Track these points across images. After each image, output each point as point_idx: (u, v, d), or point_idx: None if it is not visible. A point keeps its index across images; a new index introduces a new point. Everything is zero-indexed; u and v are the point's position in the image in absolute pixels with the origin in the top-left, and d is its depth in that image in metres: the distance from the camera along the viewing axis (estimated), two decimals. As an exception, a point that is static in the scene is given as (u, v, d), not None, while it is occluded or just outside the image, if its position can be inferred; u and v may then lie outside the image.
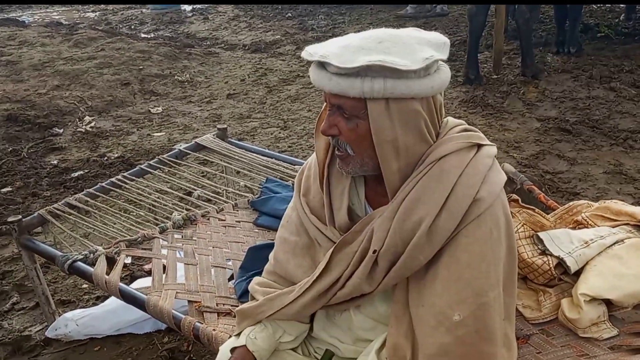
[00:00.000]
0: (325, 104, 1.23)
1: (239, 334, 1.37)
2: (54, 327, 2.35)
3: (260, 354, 1.32)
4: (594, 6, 6.59)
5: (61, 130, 4.45)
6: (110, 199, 2.56)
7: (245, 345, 1.31)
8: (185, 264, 1.99)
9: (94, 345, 2.34)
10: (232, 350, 1.33)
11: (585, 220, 1.82)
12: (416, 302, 1.19)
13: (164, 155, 2.73)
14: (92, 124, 4.54)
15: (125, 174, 2.58)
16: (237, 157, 2.70)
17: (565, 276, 1.67)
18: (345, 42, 1.12)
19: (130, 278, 2.63)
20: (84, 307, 2.51)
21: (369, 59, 1.05)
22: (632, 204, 2.93)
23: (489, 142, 1.23)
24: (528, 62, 4.78)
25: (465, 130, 1.23)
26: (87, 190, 2.47)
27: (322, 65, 1.12)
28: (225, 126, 2.91)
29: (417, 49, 1.10)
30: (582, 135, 3.84)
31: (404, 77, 1.07)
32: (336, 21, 7.10)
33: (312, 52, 1.12)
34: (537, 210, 1.80)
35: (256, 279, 1.46)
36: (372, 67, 1.05)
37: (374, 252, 1.18)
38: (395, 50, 1.08)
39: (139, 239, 2.12)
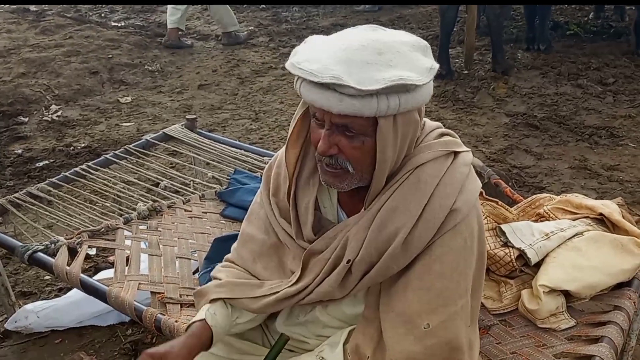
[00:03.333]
0: (298, 117, 1.18)
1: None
2: (13, 319, 2.30)
3: (218, 331, 1.26)
4: (564, 4, 6.68)
5: (26, 119, 4.34)
6: (75, 189, 2.51)
7: (204, 320, 1.25)
8: (149, 255, 1.96)
9: (55, 337, 2.30)
10: (188, 327, 1.26)
11: (547, 213, 1.86)
12: (386, 308, 1.19)
13: (131, 145, 2.68)
14: (59, 113, 4.43)
15: (90, 163, 2.54)
16: (205, 148, 2.67)
17: (526, 268, 1.71)
18: (342, 56, 1.04)
19: (95, 269, 2.59)
20: (45, 299, 2.46)
21: (386, 76, 1.02)
22: (596, 198, 2.98)
23: (465, 148, 1.22)
24: (499, 58, 4.83)
25: (442, 134, 1.22)
26: (50, 179, 2.42)
27: (327, 84, 1.03)
28: (194, 116, 2.88)
29: (413, 57, 1.08)
30: (549, 131, 3.91)
31: (413, 90, 1.06)
32: (310, 13, 7.05)
33: (314, 70, 1.03)
34: (500, 202, 1.82)
35: (228, 257, 1.43)
36: (391, 86, 1.02)
37: (348, 261, 1.17)
38: (398, 61, 1.06)
39: (102, 229, 2.09)
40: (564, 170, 3.42)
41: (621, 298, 1.61)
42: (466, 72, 4.89)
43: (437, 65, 1.11)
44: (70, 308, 2.29)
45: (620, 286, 1.65)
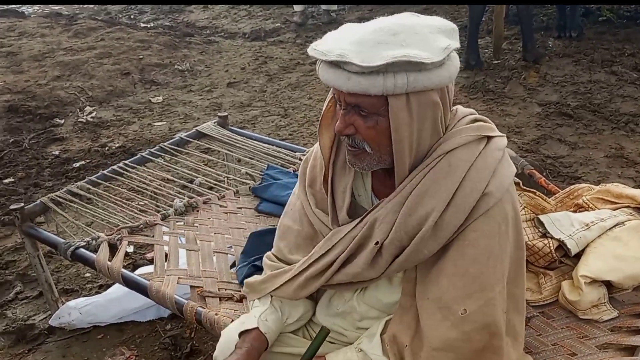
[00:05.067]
0: (329, 100, 1.20)
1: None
2: (57, 315, 2.36)
3: (271, 336, 1.32)
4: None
5: (62, 121, 4.45)
6: (113, 187, 2.56)
7: (257, 328, 1.30)
8: (187, 250, 2.00)
9: (97, 333, 2.36)
10: (241, 334, 1.32)
11: (586, 203, 1.82)
12: (422, 295, 1.19)
13: (166, 143, 2.73)
14: (93, 114, 4.53)
15: (126, 161, 2.59)
16: (238, 145, 2.70)
17: (565, 259, 1.68)
18: (357, 37, 1.07)
19: (133, 267, 2.64)
20: (87, 296, 2.52)
21: (392, 54, 1.02)
22: (633, 187, 2.92)
23: (499, 133, 1.21)
24: (529, 47, 4.75)
25: (475, 120, 1.21)
26: (89, 178, 2.47)
27: (337, 63, 1.06)
28: (226, 114, 2.91)
29: (432, 38, 1.07)
30: (583, 119, 3.83)
31: (425, 70, 1.05)
32: (337, 7, 7.05)
33: (324, 50, 1.07)
34: (538, 193, 1.80)
35: (269, 254, 1.46)
36: (395, 63, 1.02)
37: (376, 243, 1.18)
38: (413, 42, 1.05)
39: (141, 225, 2.13)
40: (599, 160, 3.35)
41: (665, 288, 1.57)
42: (496, 61, 4.83)
43: (454, 46, 1.09)
44: (111, 304, 2.35)
45: (663, 276, 1.61)
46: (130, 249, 2.75)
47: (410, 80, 1.04)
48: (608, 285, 1.58)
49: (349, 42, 1.07)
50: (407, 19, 1.11)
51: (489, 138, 1.18)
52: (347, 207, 1.25)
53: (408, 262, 1.18)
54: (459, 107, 1.24)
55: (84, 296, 2.53)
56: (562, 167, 3.29)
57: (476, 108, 4.01)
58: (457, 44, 1.10)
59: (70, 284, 2.67)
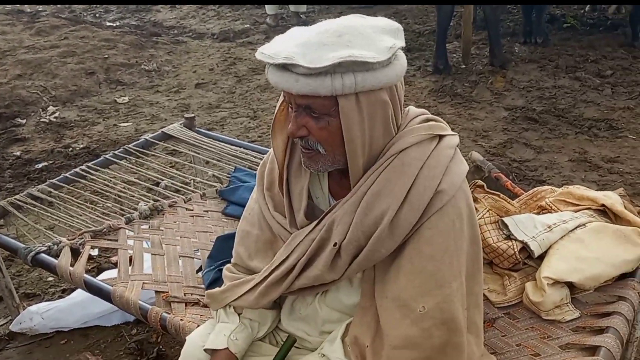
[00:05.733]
0: (281, 104, 1.21)
1: (210, 335, 1.36)
2: (18, 320, 2.30)
3: (241, 354, 1.33)
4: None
5: (24, 121, 4.34)
6: (75, 190, 2.51)
7: (227, 348, 1.30)
8: (152, 254, 1.97)
9: (61, 338, 2.30)
10: (210, 351, 1.32)
11: (549, 205, 1.86)
12: (381, 294, 1.20)
13: (130, 145, 2.68)
14: (56, 114, 4.43)
15: (90, 164, 2.53)
16: (205, 147, 2.67)
17: (529, 260, 1.71)
18: (303, 40, 1.09)
19: (97, 270, 2.58)
20: (49, 300, 2.46)
21: (337, 55, 1.04)
22: (596, 190, 2.99)
23: (451, 132, 1.23)
24: (496, 52, 4.84)
25: (427, 120, 1.23)
26: (50, 180, 2.42)
27: (285, 66, 1.08)
28: (192, 115, 2.87)
29: (376, 38, 1.10)
30: (548, 124, 3.91)
31: (372, 69, 1.07)
32: (306, 10, 7.04)
33: (271, 53, 1.08)
34: (502, 195, 1.83)
35: (228, 266, 1.45)
36: (342, 63, 1.04)
37: (335, 244, 1.18)
38: (358, 42, 1.07)
39: (105, 229, 2.09)
40: (564, 163, 3.43)
41: (625, 289, 1.61)
42: (464, 66, 4.89)
43: (399, 45, 1.11)
44: (75, 309, 2.30)
45: (624, 277, 1.65)
46: (95, 252, 2.69)
47: (358, 80, 1.07)
48: (570, 286, 1.61)
49: (295, 44, 1.08)
50: (352, 21, 1.13)
51: (441, 137, 1.21)
52: (304, 209, 1.25)
53: (366, 262, 1.19)
54: (411, 107, 1.27)
55: (46, 300, 2.47)
56: (528, 171, 3.36)
57: (444, 112, 4.09)
58: (402, 43, 1.13)
59: (32, 288, 2.60)
